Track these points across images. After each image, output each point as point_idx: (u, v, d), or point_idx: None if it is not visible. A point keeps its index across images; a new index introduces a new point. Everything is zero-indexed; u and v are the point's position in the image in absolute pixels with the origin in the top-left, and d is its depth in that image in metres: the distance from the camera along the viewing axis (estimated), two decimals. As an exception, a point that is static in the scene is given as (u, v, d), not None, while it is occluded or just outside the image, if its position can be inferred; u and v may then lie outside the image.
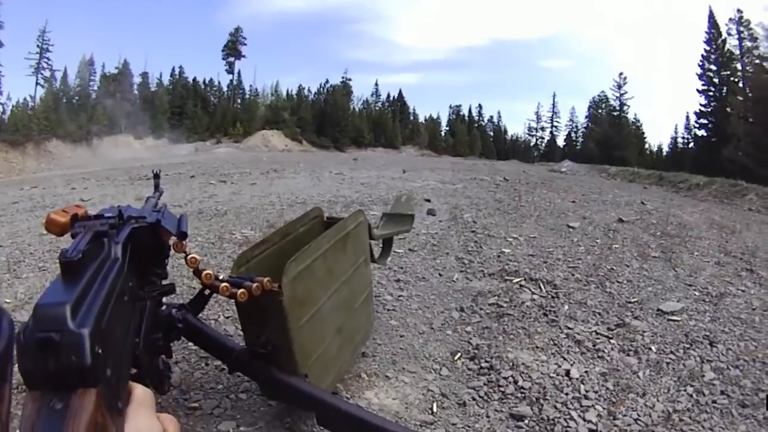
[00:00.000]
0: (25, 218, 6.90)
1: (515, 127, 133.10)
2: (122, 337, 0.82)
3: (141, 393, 0.72)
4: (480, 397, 2.51)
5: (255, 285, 1.76)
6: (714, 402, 2.57)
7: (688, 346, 3.18)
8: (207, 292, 1.89)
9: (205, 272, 1.70)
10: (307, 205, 7.52)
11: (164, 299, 1.63)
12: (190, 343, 2.46)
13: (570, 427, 2.28)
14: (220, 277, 1.78)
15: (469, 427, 2.27)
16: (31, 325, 0.59)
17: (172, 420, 0.73)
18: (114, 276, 0.80)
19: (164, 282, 1.46)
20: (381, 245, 3.00)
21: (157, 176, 2.11)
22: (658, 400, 2.53)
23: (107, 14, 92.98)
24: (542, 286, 4.13)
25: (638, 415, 2.39)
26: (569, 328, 3.34)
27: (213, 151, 40.92)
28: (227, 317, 3.18)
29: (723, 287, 4.43)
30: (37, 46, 50.27)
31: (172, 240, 1.48)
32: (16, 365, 0.56)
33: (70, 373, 0.57)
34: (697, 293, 4.23)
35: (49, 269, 4.13)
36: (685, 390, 2.66)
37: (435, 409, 2.38)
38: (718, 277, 4.79)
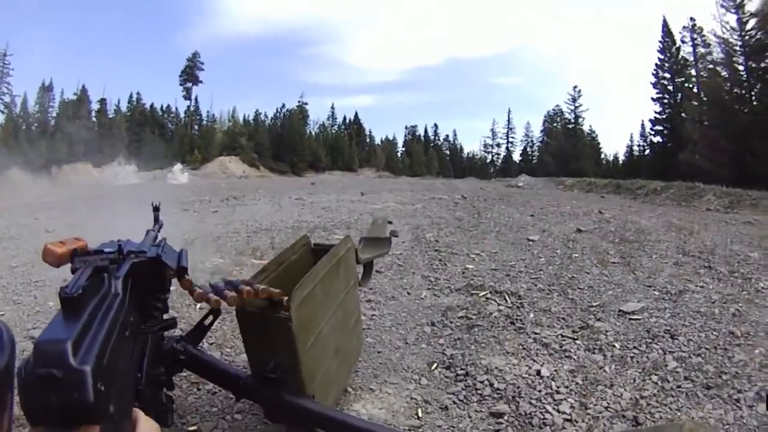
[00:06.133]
0: (-10, 251, 6.70)
1: (471, 145, 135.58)
2: (124, 372, 0.87)
3: (145, 425, 0.78)
4: (460, 400, 2.74)
5: (261, 288, 1.86)
6: (679, 387, 2.86)
7: (650, 340, 3.48)
8: (207, 322, 2.00)
9: (213, 299, 1.74)
10: (272, 232, 7.78)
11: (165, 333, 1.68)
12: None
13: (546, 419, 2.53)
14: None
15: (453, 427, 2.49)
16: (32, 361, 0.63)
17: None
18: (115, 311, 0.84)
19: (165, 316, 1.56)
20: (362, 269, 3.18)
21: (156, 209, 2.18)
22: (625, 390, 2.81)
23: (67, 37, 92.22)
24: (507, 298, 4.39)
25: (608, 404, 2.66)
26: (536, 333, 3.62)
27: (174, 182, 40.42)
28: (210, 344, 3.33)
29: (682, 285, 4.77)
30: (-3, 69, 49.87)
31: (173, 274, 1.55)
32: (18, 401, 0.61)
33: (73, 409, 0.61)
34: (656, 293, 4.56)
35: (23, 302, 4.18)
36: (650, 378, 2.94)
37: (420, 414, 2.60)
38: (677, 276, 5.14)
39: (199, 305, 3.95)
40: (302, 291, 2.07)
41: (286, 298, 1.93)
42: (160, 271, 1.46)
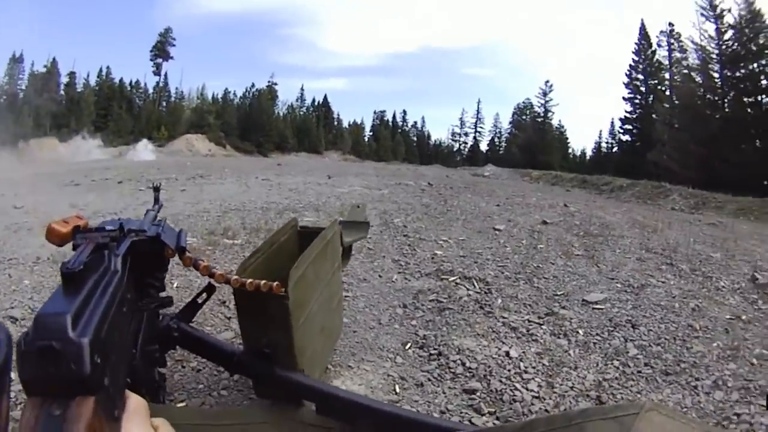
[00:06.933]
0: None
1: (439, 133, 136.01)
2: (120, 346, 0.86)
3: (136, 401, 0.78)
4: (434, 378, 2.89)
5: (263, 282, 1.92)
6: (639, 372, 3.05)
7: (612, 329, 3.67)
8: (200, 300, 2.06)
9: (217, 273, 1.79)
10: (241, 212, 7.85)
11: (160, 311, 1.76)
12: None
13: (516, 396, 2.70)
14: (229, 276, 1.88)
15: (429, 402, 2.64)
16: (32, 334, 0.64)
17: (164, 422, 0.82)
18: (114, 288, 0.85)
19: (162, 294, 1.64)
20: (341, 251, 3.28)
21: (157, 189, 2.22)
22: (589, 372, 3.00)
23: (38, 9, 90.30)
24: (475, 283, 4.55)
25: (573, 384, 2.84)
26: (504, 318, 3.78)
27: (135, 159, 39.92)
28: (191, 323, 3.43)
29: (644, 279, 4.96)
30: (-34, 42, 49.48)
31: (172, 254, 1.60)
32: (16, 373, 0.62)
33: (70, 380, 0.61)
34: (619, 285, 4.74)
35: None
36: (612, 363, 3.13)
37: (398, 390, 2.75)
38: (640, 271, 5.34)
39: (176, 284, 4.04)
40: (297, 271, 2.15)
41: (276, 284, 1.99)
42: (159, 250, 1.53)
